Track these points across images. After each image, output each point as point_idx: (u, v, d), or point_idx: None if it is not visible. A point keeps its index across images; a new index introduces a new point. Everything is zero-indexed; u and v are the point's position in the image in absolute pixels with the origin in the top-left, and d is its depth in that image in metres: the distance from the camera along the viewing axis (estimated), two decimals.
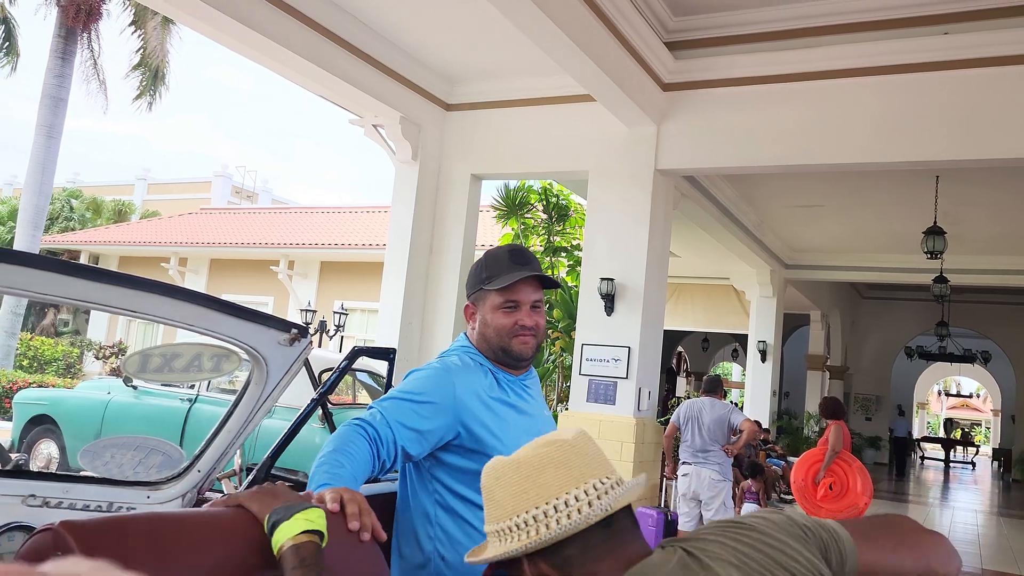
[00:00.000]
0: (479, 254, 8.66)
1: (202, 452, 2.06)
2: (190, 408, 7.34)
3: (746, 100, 7.53)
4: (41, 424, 8.18)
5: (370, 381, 7.85)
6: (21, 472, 1.86)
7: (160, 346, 1.86)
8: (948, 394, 41.64)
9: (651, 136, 7.97)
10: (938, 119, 6.78)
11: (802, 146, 7.35)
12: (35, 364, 17.52)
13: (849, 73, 7.09)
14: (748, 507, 8.98)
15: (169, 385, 7.77)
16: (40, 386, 12.50)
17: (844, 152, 7.22)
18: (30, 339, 18.20)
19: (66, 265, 1.57)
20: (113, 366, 16.77)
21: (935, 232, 8.70)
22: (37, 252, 13.50)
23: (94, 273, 1.62)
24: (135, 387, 7.85)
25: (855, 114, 7.10)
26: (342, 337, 16.11)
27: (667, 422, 7.89)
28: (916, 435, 28.42)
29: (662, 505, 7.83)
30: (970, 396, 43.45)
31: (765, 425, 11.97)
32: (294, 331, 1.94)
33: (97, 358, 17.57)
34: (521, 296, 1.85)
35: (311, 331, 1.98)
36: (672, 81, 7.80)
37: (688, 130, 7.84)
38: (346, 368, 2.32)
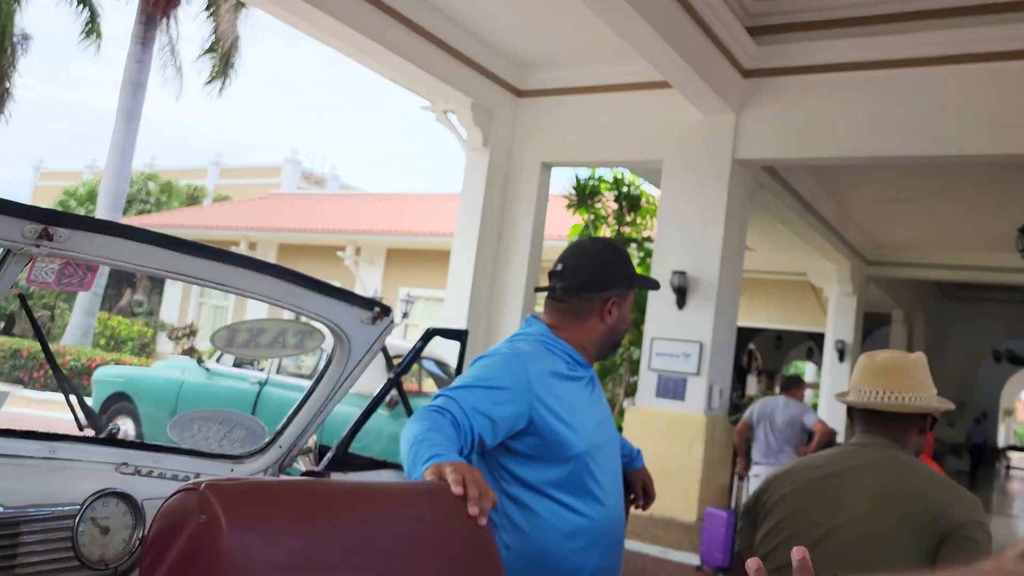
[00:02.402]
0: (549, 243, 8.51)
1: (284, 428, 2.09)
2: (260, 391, 7.42)
3: (831, 88, 7.22)
4: (119, 401, 8.41)
5: (436, 370, 7.83)
6: (115, 440, 1.89)
7: (247, 321, 1.90)
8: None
9: (729, 125, 7.73)
10: None
11: (891, 137, 7.02)
12: (112, 343, 18.16)
13: (943, 61, 6.74)
14: None
15: (241, 367, 7.89)
16: (117, 364, 12.92)
17: (937, 144, 6.88)
18: (107, 319, 18.86)
19: (166, 239, 1.60)
20: (185, 347, 17.26)
21: None
22: None
23: (191, 247, 1.65)
24: (207, 368, 8.00)
25: (949, 103, 6.75)
26: (407, 326, 16.23)
27: (737, 421, 7.67)
28: (1001, 443, 27.40)
29: (732, 506, 7.61)
30: None
31: (840, 428, 11.59)
32: (377, 310, 1.93)
33: (170, 339, 18.10)
34: None
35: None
36: (753, 67, 7.55)
37: (769, 118, 7.57)
38: (421, 348, 2.28)
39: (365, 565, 1.13)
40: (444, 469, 1.37)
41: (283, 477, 2.11)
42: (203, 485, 1.01)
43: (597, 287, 1.85)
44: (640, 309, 8.45)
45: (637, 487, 2.09)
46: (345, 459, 2.35)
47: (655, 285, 2.03)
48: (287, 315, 2.22)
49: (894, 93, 6.97)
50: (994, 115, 6.58)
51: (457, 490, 1.31)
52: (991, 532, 1.77)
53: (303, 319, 1.93)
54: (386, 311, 1.97)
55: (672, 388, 7.91)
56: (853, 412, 1.95)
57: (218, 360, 8.11)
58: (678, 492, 7.48)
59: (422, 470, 1.41)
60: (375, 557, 1.14)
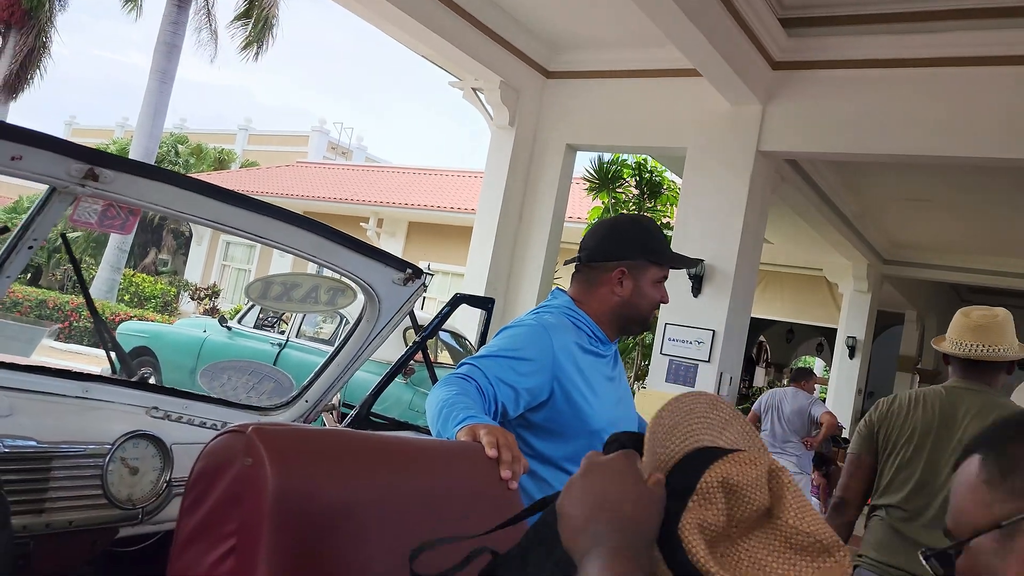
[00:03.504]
0: (569, 225, 8.56)
1: (311, 383, 2.13)
2: (279, 352, 7.60)
3: (861, 84, 7.21)
4: (141, 355, 8.63)
5: (453, 342, 7.96)
6: (146, 384, 1.95)
7: (282, 275, 1.91)
8: None
9: (756, 116, 7.73)
10: None
11: (917, 136, 7.01)
12: (136, 299, 18.43)
13: (973, 62, 6.70)
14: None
15: (262, 329, 8.07)
16: (141, 320, 13.16)
17: (963, 145, 6.86)
18: (132, 275, 19.13)
19: (209, 187, 1.63)
20: (207, 307, 17.49)
21: None
22: None
23: (233, 197, 1.67)
24: (229, 328, 8.19)
25: (978, 105, 6.72)
26: (424, 298, 16.36)
27: (745, 411, 7.76)
28: None
29: None
30: None
31: (846, 424, 11.63)
32: (409, 271, 1.96)
33: (192, 298, 18.35)
34: (668, 273, 1.92)
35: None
36: (783, 59, 7.54)
37: (796, 112, 7.57)
38: (448, 313, 2.35)
39: (400, 518, 1.13)
40: (479, 431, 1.36)
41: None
42: (250, 428, 1.01)
43: (606, 255, 1.85)
44: None
45: None
46: (367, 419, 2.43)
47: (681, 262, 1.93)
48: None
49: (923, 92, 6.95)
50: (1020, 119, 6.55)
51: (492, 452, 1.31)
52: None
53: (336, 277, 1.98)
54: (418, 273, 2.02)
55: (683, 374, 7.99)
56: (950, 359, 2.43)
57: (240, 321, 8.29)
58: None
59: (455, 431, 1.41)
60: (411, 511, 1.15)
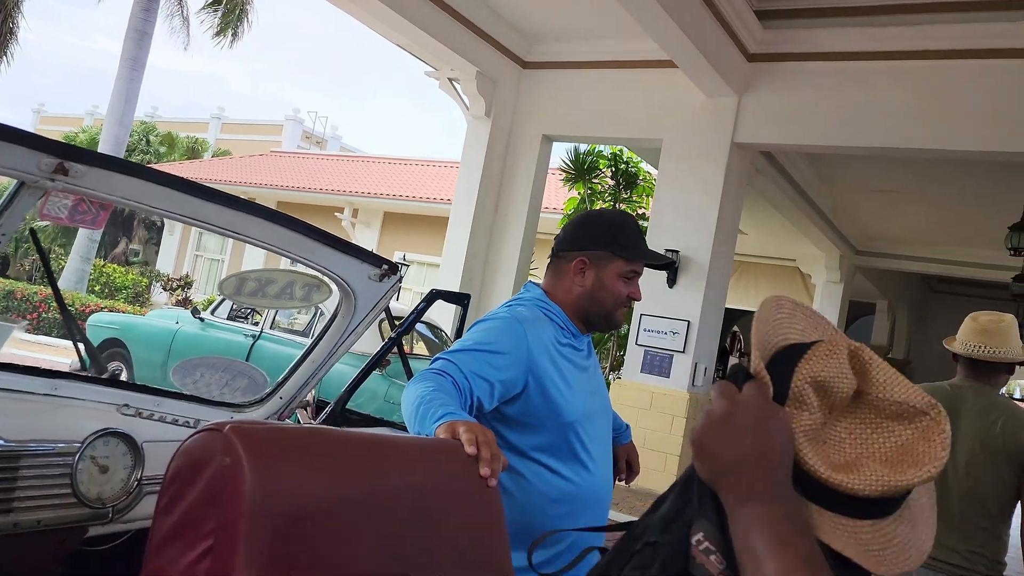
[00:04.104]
0: (545, 216, 8.55)
1: (285, 380, 2.11)
2: (253, 344, 7.52)
3: (835, 76, 7.27)
4: (112, 347, 8.49)
5: (429, 334, 7.94)
6: (117, 382, 1.92)
7: (257, 271, 1.88)
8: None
9: (731, 108, 7.78)
10: None
11: (890, 128, 7.09)
12: (106, 290, 18.17)
13: (946, 55, 6.78)
14: None
15: (235, 320, 7.99)
16: (111, 311, 12.98)
17: (935, 138, 6.95)
18: (103, 266, 18.85)
19: (182, 182, 1.61)
20: (179, 298, 17.30)
21: (1022, 228, 8.34)
22: None
23: (206, 192, 1.65)
24: (202, 319, 8.09)
25: (950, 98, 6.80)
26: (399, 289, 16.31)
27: None
28: None
29: None
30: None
31: None
32: (385, 267, 1.95)
33: (165, 289, 18.13)
34: (640, 270, 1.86)
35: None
36: (758, 51, 7.58)
37: (770, 103, 7.63)
38: (424, 309, 2.34)
39: (380, 516, 1.13)
40: (457, 428, 1.35)
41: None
42: (227, 427, 1.00)
43: (570, 245, 1.85)
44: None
45: (622, 461, 2.10)
46: (343, 415, 2.41)
47: (651, 258, 1.87)
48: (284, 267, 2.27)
49: (897, 85, 7.02)
50: (994, 112, 6.64)
51: (471, 450, 1.30)
52: None
53: (311, 273, 1.96)
54: (394, 269, 2.00)
55: (658, 364, 8.04)
56: (958, 358, 2.72)
57: (213, 312, 8.20)
58: (658, 465, 7.65)
59: (433, 427, 1.40)
60: (390, 509, 1.15)
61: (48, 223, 16.30)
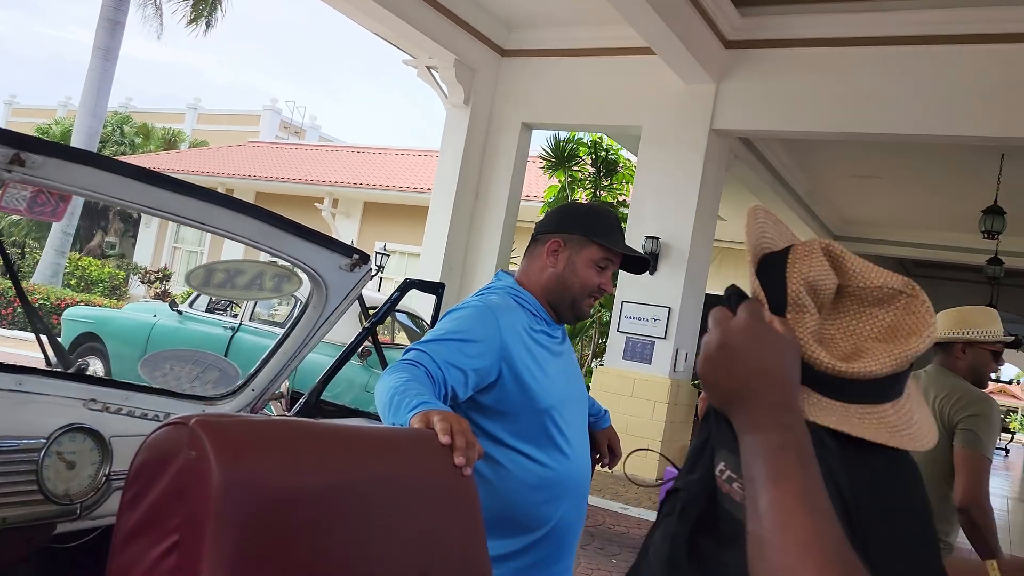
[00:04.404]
0: (525, 204, 8.56)
1: (257, 372, 2.08)
2: (232, 336, 7.46)
3: (812, 62, 7.30)
4: (87, 342, 8.39)
5: (409, 323, 7.91)
6: (83, 376, 1.88)
7: (225, 261, 1.84)
8: (998, 380, 41.01)
9: (709, 94, 7.79)
10: (1014, 94, 6.50)
11: (866, 114, 7.13)
12: (82, 284, 17.94)
13: (925, 40, 6.82)
14: None
15: (214, 312, 7.91)
16: (87, 305, 12.82)
17: (911, 123, 6.99)
18: (78, 259, 18.62)
19: (143, 172, 1.57)
20: (158, 290, 17.13)
21: (994, 211, 8.43)
22: None
23: (169, 182, 1.61)
24: (180, 312, 8.00)
25: (925, 84, 6.85)
26: (381, 279, 16.24)
27: (699, 386, 7.86)
28: None
29: None
30: (1009, 382, 42.70)
31: None
32: (355, 256, 1.92)
33: (143, 282, 17.95)
34: (615, 260, 1.85)
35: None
36: (736, 38, 7.59)
37: (748, 90, 7.64)
38: (398, 299, 2.31)
39: (352, 508, 1.11)
40: (432, 417, 1.34)
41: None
42: (193, 420, 0.98)
43: (547, 229, 1.85)
44: (613, 274, 8.56)
45: (603, 445, 2.10)
46: (317, 406, 2.39)
47: (626, 248, 1.84)
48: (264, 260, 2.24)
49: (871, 71, 7.05)
50: (967, 97, 6.69)
51: (445, 439, 1.29)
52: (993, 422, 2.57)
53: (281, 263, 1.94)
54: (365, 259, 1.96)
55: (639, 351, 8.07)
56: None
57: (191, 304, 8.12)
58: (641, 452, 7.69)
59: (408, 417, 1.39)
60: (362, 501, 1.13)
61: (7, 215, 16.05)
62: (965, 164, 8.80)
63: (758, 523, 0.67)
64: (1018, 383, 42.38)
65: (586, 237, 1.81)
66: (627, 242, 1.91)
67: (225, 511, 0.96)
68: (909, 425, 0.80)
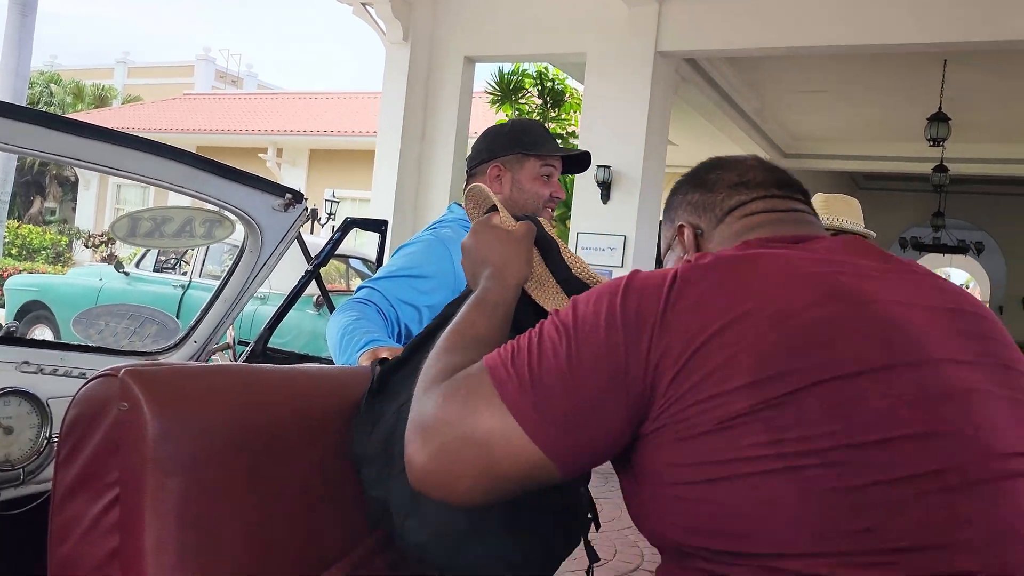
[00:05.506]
0: (472, 140, 8.48)
1: (198, 322, 2.03)
2: (183, 295, 7.31)
3: None
4: (35, 310, 8.19)
5: (364, 268, 7.82)
6: (14, 339, 1.82)
7: (149, 209, 1.76)
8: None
9: (652, 16, 7.66)
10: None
11: (810, 26, 7.10)
12: (24, 252, 17.42)
13: None
14: None
15: (162, 272, 7.73)
16: (31, 273, 12.46)
17: (854, 33, 6.98)
18: (17, 227, 18.03)
19: (51, 118, 1.50)
20: (103, 254, 16.71)
21: (939, 119, 8.52)
22: None
23: (80, 128, 1.53)
24: (127, 273, 7.81)
25: None
26: (333, 226, 16.02)
27: None
28: None
29: None
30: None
31: None
32: (288, 196, 1.86)
33: (87, 246, 17.48)
34: (556, 166, 1.82)
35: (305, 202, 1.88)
36: None
37: (691, 10, 7.53)
38: (340, 239, 2.26)
39: (294, 450, 1.09)
40: (381, 353, 1.32)
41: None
42: (122, 371, 0.96)
43: (481, 158, 1.82)
44: (566, 204, 8.52)
45: None
46: (265, 354, 2.34)
47: (560, 150, 1.84)
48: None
49: None
50: (909, 4, 6.69)
51: None
52: None
53: (211, 207, 1.87)
54: (299, 198, 1.91)
55: None
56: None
57: (137, 265, 7.92)
58: None
59: (357, 356, 1.37)
60: (304, 441, 1.11)
61: None
62: (911, 72, 8.84)
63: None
64: (967, 287, 43.79)
65: (521, 153, 1.78)
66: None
67: (164, 460, 0.94)
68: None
